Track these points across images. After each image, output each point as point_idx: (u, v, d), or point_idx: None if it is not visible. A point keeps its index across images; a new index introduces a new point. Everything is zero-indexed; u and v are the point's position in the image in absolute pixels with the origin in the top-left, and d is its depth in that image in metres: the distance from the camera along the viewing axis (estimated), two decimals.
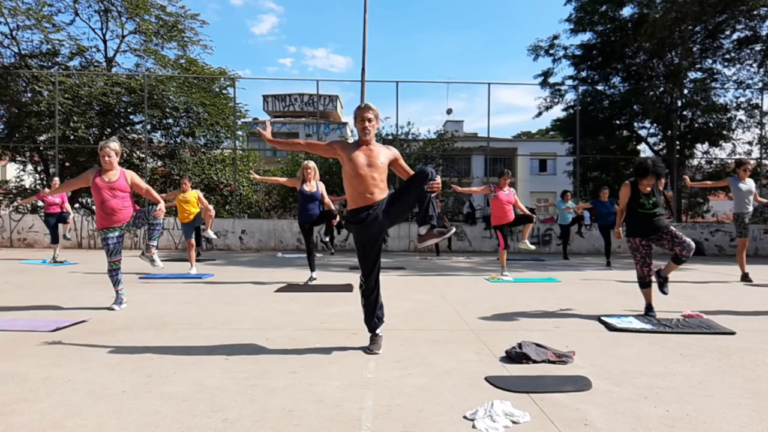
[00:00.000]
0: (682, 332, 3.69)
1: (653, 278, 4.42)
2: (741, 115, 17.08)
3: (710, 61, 17.45)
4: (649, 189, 4.32)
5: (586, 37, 17.66)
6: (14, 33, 15.75)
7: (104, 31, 17.23)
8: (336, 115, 36.24)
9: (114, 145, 4.58)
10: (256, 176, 6.98)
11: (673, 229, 4.28)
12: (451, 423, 2.03)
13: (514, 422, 2.02)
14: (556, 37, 17.74)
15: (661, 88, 16.88)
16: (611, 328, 3.83)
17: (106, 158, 4.50)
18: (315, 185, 6.49)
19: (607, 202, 9.59)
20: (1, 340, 3.31)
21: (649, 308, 4.33)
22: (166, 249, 13.06)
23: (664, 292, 4.47)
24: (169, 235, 13.33)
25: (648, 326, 3.83)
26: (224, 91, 17.92)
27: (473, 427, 1.99)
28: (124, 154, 15.75)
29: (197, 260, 8.49)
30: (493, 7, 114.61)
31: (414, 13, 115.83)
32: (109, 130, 16.58)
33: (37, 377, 2.56)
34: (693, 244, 4.23)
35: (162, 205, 4.59)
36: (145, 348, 3.15)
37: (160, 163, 17.64)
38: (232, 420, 2.04)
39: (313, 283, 6.39)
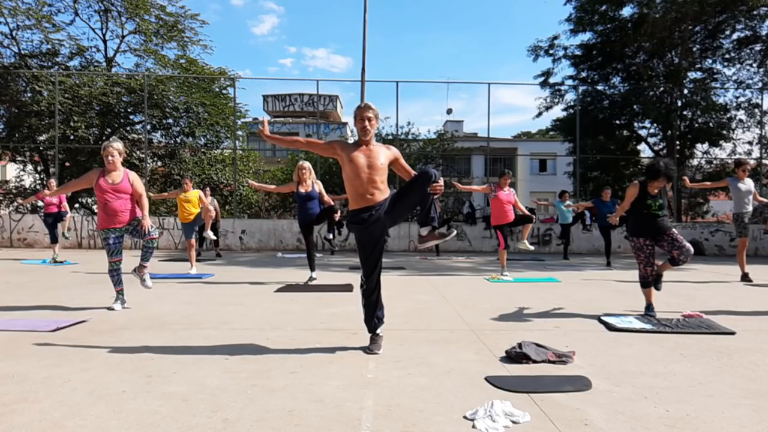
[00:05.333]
0: (682, 332, 3.69)
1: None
2: (741, 115, 17.12)
3: (710, 61, 17.47)
4: (657, 191, 4.31)
5: (586, 37, 17.69)
6: (14, 33, 15.77)
7: (104, 31, 17.27)
8: (336, 115, 36.25)
9: (117, 145, 4.57)
10: (253, 183, 6.96)
11: (675, 232, 4.28)
12: (451, 423, 2.03)
13: (514, 422, 2.02)
14: (556, 38, 17.75)
15: (661, 88, 16.89)
16: (611, 328, 3.83)
17: (110, 158, 4.49)
18: (311, 185, 6.48)
19: (609, 202, 9.59)
20: (1, 340, 3.31)
21: (649, 308, 4.33)
22: (166, 249, 13.06)
23: (658, 288, 4.45)
24: (169, 235, 13.33)
25: (648, 326, 3.83)
26: (224, 91, 17.94)
27: (473, 427, 1.99)
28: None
29: (197, 260, 8.49)
30: (493, 7, 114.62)
31: (414, 13, 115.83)
32: (109, 130, 16.59)
33: (37, 377, 2.56)
34: (692, 250, 4.24)
35: (156, 234, 4.64)
36: (145, 348, 3.15)
37: (160, 163, 17.65)
38: (232, 420, 2.04)
39: (313, 283, 6.39)
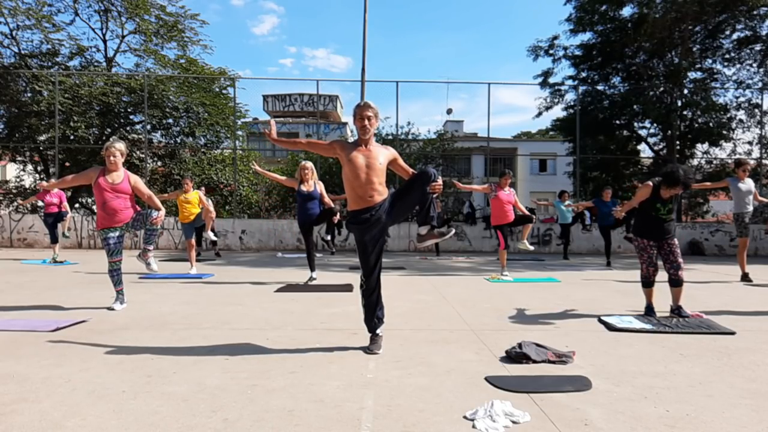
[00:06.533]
0: (682, 332, 3.69)
1: (671, 309, 4.37)
2: (741, 115, 17.09)
3: (710, 61, 17.45)
4: (668, 196, 4.24)
5: (586, 37, 17.66)
6: (14, 33, 15.76)
7: (104, 31, 17.25)
8: (336, 115, 36.24)
9: (120, 145, 4.57)
10: (257, 168, 6.87)
11: (675, 242, 4.28)
12: (451, 423, 2.03)
13: (514, 422, 2.02)
14: (555, 38, 17.72)
15: (661, 88, 16.88)
16: (611, 328, 3.83)
17: (112, 158, 4.48)
18: (313, 185, 6.50)
19: (609, 202, 9.58)
20: (1, 340, 3.31)
21: (649, 308, 4.33)
22: (166, 249, 13.06)
23: (685, 316, 4.24)
24: (169, 235, 13.33)
25: (648, 326, 3.83)
26: (224, 91, 17.93)
27: (473, 427, 1.99)
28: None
29: (197, 260, 8.49)
30: (493, 7, 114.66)
31: (414, 13, 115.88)
32: (109, 130, 16.59)
33: (37, 377, 2.56)
34: (682, 264, 4.26)
35: (162, 213, 4.60)
36: (145, 348, 3.15)
37: (160, 163, 17.65)
38: (232, 420, 2.04)
39: (313, 283, 6.39)
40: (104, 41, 17.42)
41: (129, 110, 16.81)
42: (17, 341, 3.29)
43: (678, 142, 16.95)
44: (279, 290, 5.80)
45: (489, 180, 13.05)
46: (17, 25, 15.61)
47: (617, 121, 18.03)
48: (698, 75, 17.63)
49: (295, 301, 5.02)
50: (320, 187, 6.57)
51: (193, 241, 8.04)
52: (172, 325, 3.87)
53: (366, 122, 3.09)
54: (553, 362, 2.87)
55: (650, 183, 4.31)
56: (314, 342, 3.36)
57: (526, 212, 7.59)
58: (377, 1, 66.54)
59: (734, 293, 5.92)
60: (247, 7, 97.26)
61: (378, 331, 3.21)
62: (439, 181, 3.01)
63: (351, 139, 3.27)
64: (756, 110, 16.54)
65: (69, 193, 15.50)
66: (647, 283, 4.37)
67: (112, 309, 4.43)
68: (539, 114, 18.78)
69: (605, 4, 16.41)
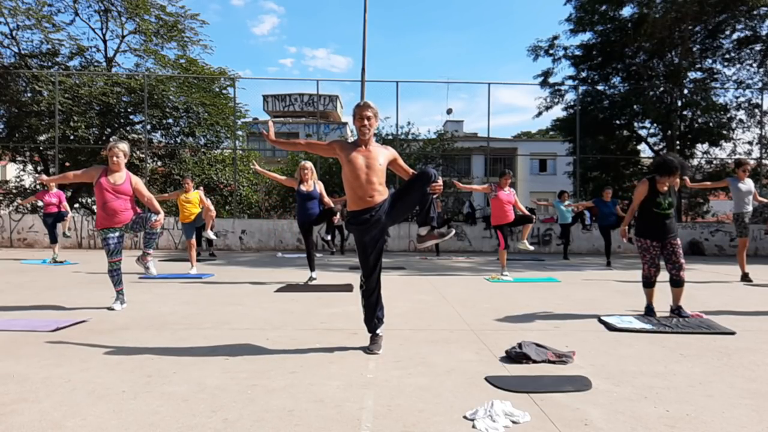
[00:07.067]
0: (682, 332, 3.69)
1: (671, 309, 4.36)
2: (741, 115, 17.10)
3: (710, 61, 17.45)
4: (666, 188, 4.23)
5: (586, 37, 17.68)
6: (14, 33, 15.77)
7: (104, 31, 17.25)
8: (336, 115, 36.23)
9: (123, 146, 4.57)
10: (257, 167, 6.87)
11: (678, 242, 4.27)
12: (451, 423, 2.03)
13: (514, 422, 2.02)
14: (555, 38, 17.74)
15: (661, 88, 16.88)
16: (611, 328, 3.83)
17: (114, 159, 4.49)
18: (312, 185, 6.50)
19: (609, 203, 9.58)
20: (1, 340, 3.31)
21: (649, 308, 4.33)
22: (166, 249, 13.06)
23: (685, 316, 4.24)
24: (169, 235, 13.33)
25: (648, 326, 3.83)
26: (224, 91, 17.94)
27: (473, 427, 1.99)
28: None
29: (197, 260, 8.49)
30: (493, 8, 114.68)
31: (414, 13, 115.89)
32: (109, 130, 16.59)
33: (37, 377, 2.56)
34: (684, 264, 4.26)
35: (161, 216, 4.61)
36: (145, 348, 3.15)
37: (160, 163, 17.65)
38: (232, 420, 2.04)
39: (313, 283, 6.39)
40: (104, 41, 17.44)
41: (129, 110, 16.82)
42: (17, 341, 3.29)
43: (678, 142, 16.96)
44: (279, 290, 5.80)
45: (489, 180, 13.05)
46: (17, 25, 15.64)
47: (617, 121, 18.03)
48: (698, 75, 17.66)
49: (295, 301, 5.02)
50: (320, 187, 6.58)
51: (194, 240, 8.04)
52: (172, 325, 3.87)
53: (365, 122, 3.09)
54: (553, 362, 2.87)
55: (645, 179, 4.32)
56: (314, 342, 3.36)
57: (526, 212, 7.59)
58: (377, 1, 66.58)
59: (734, 293, 5.92)
60: (247, 7, 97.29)
61: (378, 331, 3.20)
62: (439, 181, 3.00)
63: (351, 139, 3.26)
64: (756, 110, 16.55)
65: (69, 193, 15.51)
66: (648, 283, 4.36)
67: (112, 309, 4.43)
68: (539, 114, 18.81)
69: (605, 4, 16.42)
